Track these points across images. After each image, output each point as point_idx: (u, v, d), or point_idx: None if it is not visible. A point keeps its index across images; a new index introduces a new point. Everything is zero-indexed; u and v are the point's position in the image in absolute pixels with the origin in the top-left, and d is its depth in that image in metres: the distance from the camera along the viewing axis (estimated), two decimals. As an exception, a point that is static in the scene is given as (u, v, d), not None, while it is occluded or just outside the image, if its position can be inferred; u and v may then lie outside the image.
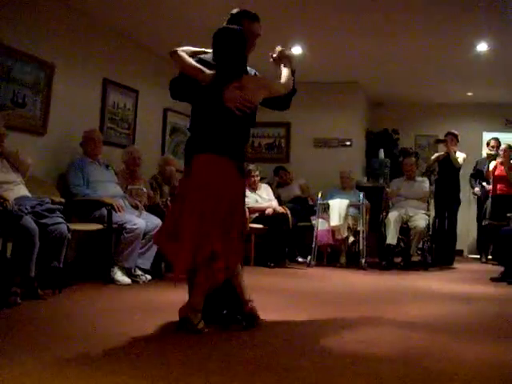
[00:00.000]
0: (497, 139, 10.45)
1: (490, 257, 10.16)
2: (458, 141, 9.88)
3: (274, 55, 4.31)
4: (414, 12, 6.86)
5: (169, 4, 6.77)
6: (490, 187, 9.71)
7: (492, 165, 9.82)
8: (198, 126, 4.11)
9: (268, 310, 4.41)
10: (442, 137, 9.95)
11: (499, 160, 9.37)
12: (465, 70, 9.28)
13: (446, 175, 9.52)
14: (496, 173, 9.69)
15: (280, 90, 4.16)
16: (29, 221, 4.78)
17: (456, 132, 9.99)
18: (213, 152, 3.92)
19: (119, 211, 6.26)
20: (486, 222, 9.76)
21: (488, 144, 10.55)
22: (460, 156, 9.79)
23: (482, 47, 8.00)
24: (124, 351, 3.31)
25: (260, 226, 8.48)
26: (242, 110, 3.90)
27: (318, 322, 4.48)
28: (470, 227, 11.39)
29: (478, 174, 10.42)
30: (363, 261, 8.54)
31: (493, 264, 9.11)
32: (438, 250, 9.35)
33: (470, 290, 6.70)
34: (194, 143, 4.10)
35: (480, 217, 10.34)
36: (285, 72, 4.23)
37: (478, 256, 10.57)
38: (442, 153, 9.68)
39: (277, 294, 5.62)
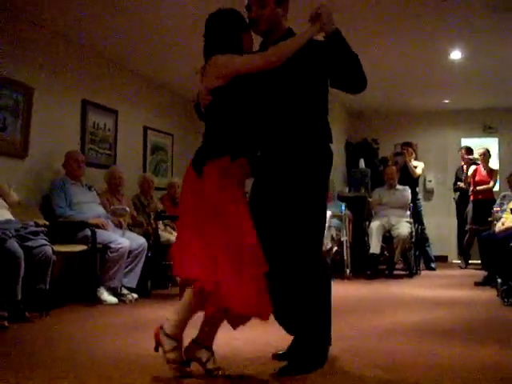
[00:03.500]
0: (467, 148, 10.60)
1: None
2: (413, 150, 10.36)
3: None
4: (387, 22, 6.93)
5: (147, 24, 6.79)
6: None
7: (471, 170, 9.95)
8: None
9: (254, 323, 4.43)
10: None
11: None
12: (440, 78, 9.38)
13: (405, 183, 9.63)
14: (476, 178, 9.83)
15: (238, 64, 3.21)
16: (13, 244, 4.80)
17: (411, 142, 10.45)
18: None
19: (105, 228, 6.30)
20: (468, 227, 9.87)
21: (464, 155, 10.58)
22: (419, 165, 10.05)
23: (456, 55, 8.10)
24: (113, 370, 3.32)
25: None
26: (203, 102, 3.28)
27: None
28: (453, 233, 11.48)
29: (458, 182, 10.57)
30: (348, 271, 8.61)
31: (476, 269, 9.18)
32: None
33: (455, 294, 6.77)
34: None
35: (460, 223, 10.47)
36: (296, 36, 3.27)
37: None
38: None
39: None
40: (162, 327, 3.17)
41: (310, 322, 3.36)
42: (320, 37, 3.31)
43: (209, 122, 3.32)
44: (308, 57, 3.23)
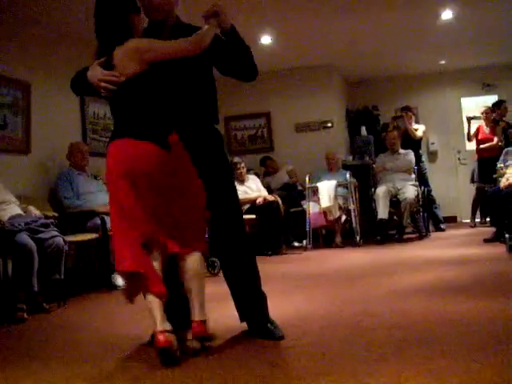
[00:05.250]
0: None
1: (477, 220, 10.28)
2: (413, 114, 10.50)
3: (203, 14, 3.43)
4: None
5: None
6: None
7: (473, 128, 9.97)
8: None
9: (273, 294, 4.51)
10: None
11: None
12: (434, 40, 9.38)
13: (407, 147, 9.70)
14: (480, 136, 9.84)
15: (167, 49, 3.25)
16: (24, 237, 4.89)
17: (409, 106, 10.59)
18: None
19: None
20: (475, 185, 9.91)
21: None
22: (419, 128, 10.15)
23: (447, 15, 8.12)
24: (134, 353, 3.37)
25: (252, 216, 8.58)
26: (106, 88, 3.23)
27: (317, 300, 4.61)
28: (460, 193, 11.54)
29: None
30: (358, 238, 8.68)
31: (486, 227, 9.23)
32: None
33: (465, 253, 6.81)
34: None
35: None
36: (202, 30, 3.34)
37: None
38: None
39: (277, 280, 5.72)
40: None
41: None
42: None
43: (136, 103, 3.28)
44: None
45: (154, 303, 3.05)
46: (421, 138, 10.26)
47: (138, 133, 3.17)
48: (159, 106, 3.31)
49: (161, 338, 2.96)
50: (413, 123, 10.24)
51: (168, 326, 3.01)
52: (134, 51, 3.22)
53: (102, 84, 3.21)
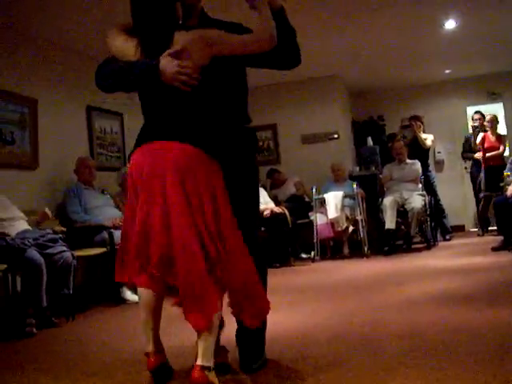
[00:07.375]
0: (479, 112, 10.61)
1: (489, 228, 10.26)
2: (422, 123, 10.46)
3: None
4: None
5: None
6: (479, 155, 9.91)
7: (479, 137, 9.97)
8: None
9: (281, 306, 4.53)
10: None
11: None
12: (438, 49, 9.38)
13: (416, 156, 9.73)
14: (486, 145, 9.82)
15: (237, 42, 2.88)
16: (33, 253, 4.91)
17: (419, 115, 10.63)
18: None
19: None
20: (482, 194, 9.89)
21: (472, 118, 10.71)
22: (428, 137, 10.17)
23: (450, 24, 8.12)
24: (142, 366, 3.35)
25: (260, 228, 8.59)
26: (189, 82, 2.81)
27: (325, 311, 4.62)
28: (467, 202, 11.51)
29: (468, 150, 10.54)
30: (366, 248, 8.67)
31: (493, 235, 9.21)
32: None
33: (473, 261, 6.80)
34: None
35: (476, 191, 10.47)
36: (259, 20, 2.94)
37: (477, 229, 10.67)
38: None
39: (286, 292, 5.73)
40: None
41: None
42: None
43: (196, 103, 2.92)
44: None
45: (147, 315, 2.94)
46: (429, 148, 10.28)
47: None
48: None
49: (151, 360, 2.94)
50: (421, 133, 10.25)
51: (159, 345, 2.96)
52: (205, 43, 2.86)
53: (183, 77, 2.79)
